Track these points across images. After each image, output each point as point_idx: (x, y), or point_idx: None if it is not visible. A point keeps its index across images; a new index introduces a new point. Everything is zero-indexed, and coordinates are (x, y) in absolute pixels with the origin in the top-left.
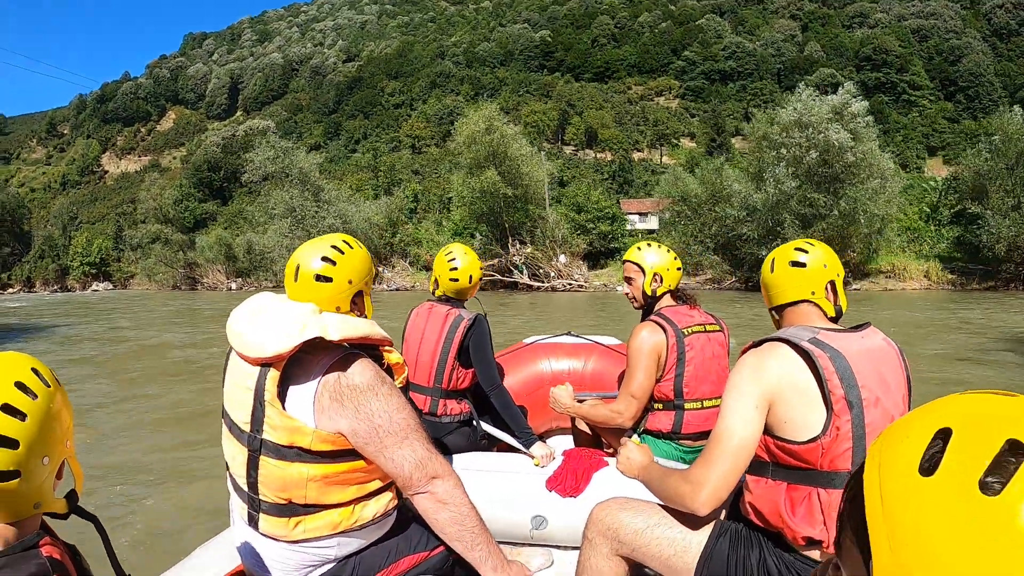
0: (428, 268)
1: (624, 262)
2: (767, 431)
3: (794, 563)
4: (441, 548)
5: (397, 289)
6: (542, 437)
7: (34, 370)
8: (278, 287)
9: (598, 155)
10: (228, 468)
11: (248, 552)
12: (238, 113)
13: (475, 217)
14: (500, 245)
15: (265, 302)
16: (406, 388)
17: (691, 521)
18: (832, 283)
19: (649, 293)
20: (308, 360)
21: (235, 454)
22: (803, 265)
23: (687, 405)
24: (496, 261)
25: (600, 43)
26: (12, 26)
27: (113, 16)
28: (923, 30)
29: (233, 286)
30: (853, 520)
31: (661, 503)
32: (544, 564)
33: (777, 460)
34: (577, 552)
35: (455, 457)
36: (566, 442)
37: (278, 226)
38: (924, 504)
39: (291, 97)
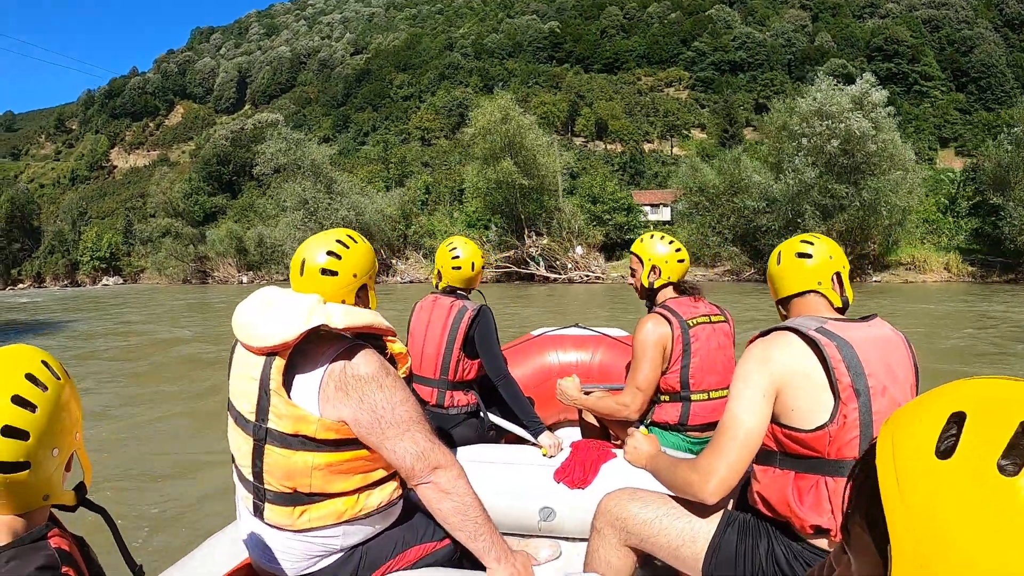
0: None
1: (630, 253)
2: (774, 419)
3: (802, 552)
4: (448, 541)
5: (411, 281)
6: (550, 428)
7: (44, 362)
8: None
9: (608, 146)
10: (234, 460)
11: (255, 543)
12: (246, 107)
13: (490, 208)
14: (516, 236)
15: (270, 295)
16: (409, 378)
17: (699, 511)
18: (838, 274)
19: (646, 285)
20: (314, 350)
21: (240, 444)
22: (809, 256)
23: (694, 396)
24: (512, 252)
25: (609, 34)
26: (17, 22)
27: (120, 11)
28: (934, 20)
29: (244, 279)
30: (863, 506)
31: (670, 494)
32: (552, 556)
33: (784, 449)
34: (584, 544)
35: (462, 449)
36: (573, 434)
37: (290, 219)
38: (942, 487)
39: (299, 90)
